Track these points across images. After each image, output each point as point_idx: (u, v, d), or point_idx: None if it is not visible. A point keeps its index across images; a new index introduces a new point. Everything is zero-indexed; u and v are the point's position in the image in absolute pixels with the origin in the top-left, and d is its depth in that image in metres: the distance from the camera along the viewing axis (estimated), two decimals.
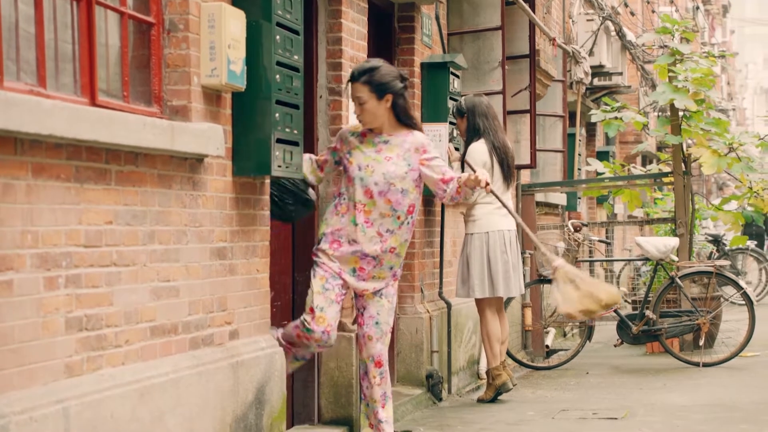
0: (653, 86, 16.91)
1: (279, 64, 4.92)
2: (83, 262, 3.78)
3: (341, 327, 6.15)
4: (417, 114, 7.36)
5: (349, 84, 5.31)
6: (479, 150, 7.07)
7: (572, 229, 8.98)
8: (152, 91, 4.48)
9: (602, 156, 13.86)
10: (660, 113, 15.28)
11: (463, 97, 7.35)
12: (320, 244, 5.33)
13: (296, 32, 5.11)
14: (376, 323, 5.39)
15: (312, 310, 5.26)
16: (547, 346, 9.58)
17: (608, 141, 16.23)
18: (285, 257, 6.00)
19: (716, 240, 14.83)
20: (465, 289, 7.20)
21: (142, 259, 4.15)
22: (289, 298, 6.08)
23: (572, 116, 11.98)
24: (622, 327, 8.77)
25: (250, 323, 5.05)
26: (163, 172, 4.32)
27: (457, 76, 7.58)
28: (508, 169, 7.22)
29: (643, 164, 17.94)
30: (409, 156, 5.30)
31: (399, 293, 7.28)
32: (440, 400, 7.33)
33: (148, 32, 4.47)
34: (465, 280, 7.19)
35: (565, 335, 11.27)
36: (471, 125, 7.18)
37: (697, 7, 25.13)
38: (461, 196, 5.36)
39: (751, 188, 9.58)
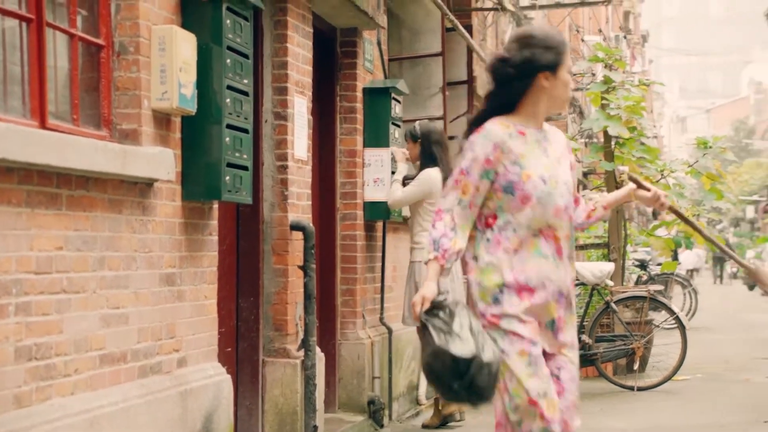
0: (581, 113, 17.20)
1: (229, 88, 4.89)
2: (33, 289, 3.69)
3: (285, 353, 6.10)
4: (359, 139, 7.38)
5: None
6: (435, 177, 7.07)
7: None
8: (102, 114, 4.41)
9: None
10: (588, 140, 15.54)
11: (417, 122, 7.32)
12: (499, 305, 3.66)
13: (246, 56, 5.08)
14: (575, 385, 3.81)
15: (534, 402, 3.60)
16: None
17: None
18: (229, 282, 5.93)
19: (643, 265, 15.08)
20: (413, 318, 7.13)
21: (92, 285, 4.06)
22: (233, 324, 6.00)
23: None
24: None
25: (198, 350, 4.97)
26: (114, 196, 4.24)
27: (399, 101, 7.60)
28: None
29: None
30: (567, 156, 3.89)
31: (341, 319, 7.26)
32: (382, 426, 7.29)
33: (97, 55, 4.40)
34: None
35: None
36: (426, 152, 7.15)
37: (625, 36, 25.63)
38: (592, 221, 4.03)
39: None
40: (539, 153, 3.72)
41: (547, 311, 3.68)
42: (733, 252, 4.21)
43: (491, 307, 3.64)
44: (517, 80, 3.68)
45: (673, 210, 4.14)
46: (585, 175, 19.74)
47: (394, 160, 7.33)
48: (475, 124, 3.78)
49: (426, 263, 3.72)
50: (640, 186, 4.03)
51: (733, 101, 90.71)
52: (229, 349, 5.90)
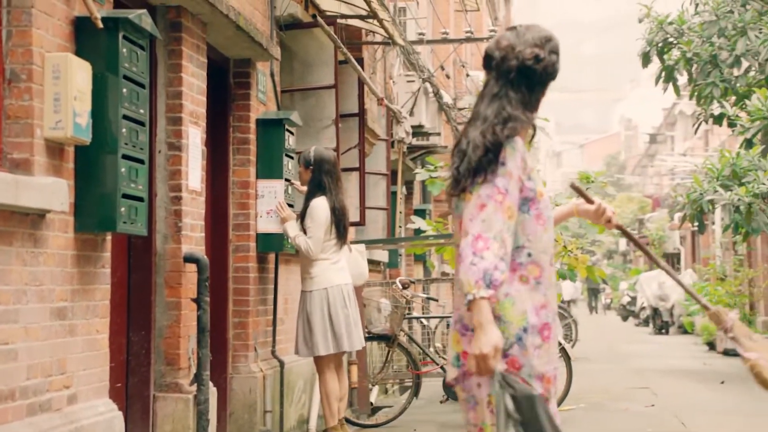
0: None
1: (125, 117, 4.79)
2: None
3: (177, 388, 5.97)
4: (252, 170, 7.32)
5: None
6: (322, 207, 7.04)
7: (401, 287, 9.06)
8: None
9: (419, 214, 14.14)
10: None
11: (312, 148, 7.28)
12: (521, 348, 3.19)
13: (142, 85, 4.99)
14: None
15: None
16: (371, 404, 9.59)
17: (425, 199, 16.59)
18: (120, 316, 5.77)
19: None
20: (308, 348, 7.05)
21: None
22: (123, 359, 5.85)
23: (393, 175, 12.17)
24: None
25: (89, 387, 4.82)
26: (4, 228, 4.10)
27: (292, 133, 7.58)
28: (344, 230, 7.22)
29: None
30: None
31: (233, 352, 7.16)
32: None
33: None
34: (307, 339, 7.04)
35: (386, 392, 11.33)
36: (316, 180, 7.12)
37: None
38: None
39: (565, 247, 9.98)
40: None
41: (556, 349, 3.37)
42: (694, 291, 4.02)
43: (514, 349, 3.16)
44: (540, 85, 3.30)
45: (620, 228, 3.73)
46: None
47: (287, 191, 7.30)
48: (506, 126, 3.19)
49: (473, 300, 3.03)
50: (585, 199, 3.62)
51: (605, 137, 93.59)
52: (119, 384, 5.75)
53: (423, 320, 12.64)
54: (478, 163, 3.13)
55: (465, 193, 3.15)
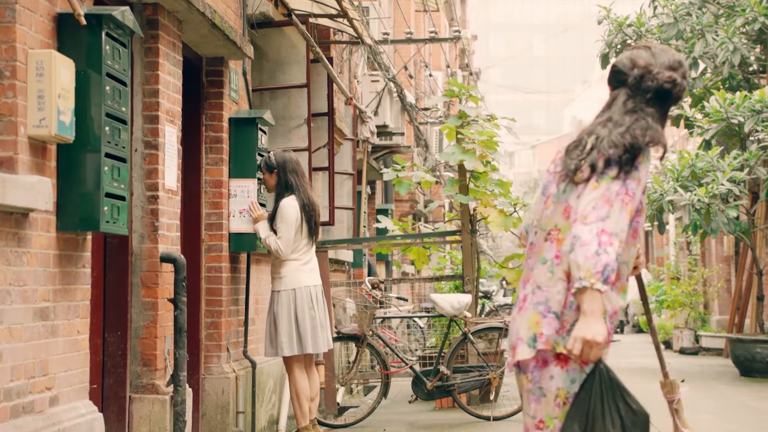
0: (426, 147, 17.49)
1: (108, 115, 4.74)
2: None
3: (154, 389, 5.92)
4: (225, 169, 7.28)
5: None
6: (291, 206, 7.02)
7: (370, 287, 9.05)
8: None
9: (382, 213, 14.15)
10: (432, 173, 15.80)
11: (271, 153, 7.28)
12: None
13: (124, 83, 4.94)
14: None
15: None
16: (337, 404, 9.57)
17: (387, 199, 16.60)
18: (95, 316, 5.70)
19: (486, 296, 15.41)
20: (273, 347, 7.06)
21: None
22: (99, 360, 5.78)
23: (358, 174, 12.16)
24: (417, 383, 8.90)
25: (70, 388, 4.76)
26: None
27: (264, 132, 7.54)
28: (315, 227, 7.21)
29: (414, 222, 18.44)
30: None
31: (205, 353, 7.11)
32: None
33: None
34: (273, 338, 7.05)
35: (351, 392, 11.32)
36: (282, 181, 7.10)
37: (471, 74, 26.29)
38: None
39: None
40: None
41: None
42: (663, 356, 4.13)
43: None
44: (671, 105, 3.38)
45: (638, 278, 3.77)
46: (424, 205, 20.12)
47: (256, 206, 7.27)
48: (646, 133, 3.25)
49: (587, 288, 3.05)
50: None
51: (557, 138, 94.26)
52: (95, 385, 5.68)
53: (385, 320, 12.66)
54: (618, 160, 3.19)
55: (590, 181, 3.19)
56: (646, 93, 3.32)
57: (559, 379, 3.19)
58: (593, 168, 3.21)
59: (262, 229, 7.11)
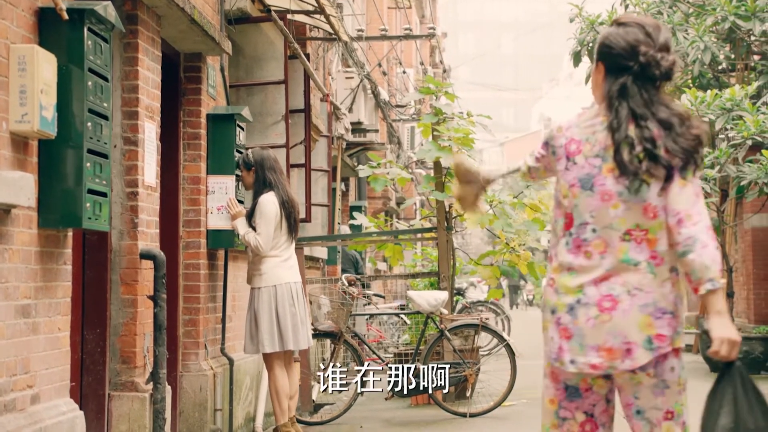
0: (399, 144, 17.50)
1: (91, 111, 4.70)
2: None
3: (133, 387, 5.88)
4: (202, 166, 7.24)
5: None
6: (271, 201, 7.01)
7: (346, 283, 9.04)
8: None
9: (356, 210, 14.14)
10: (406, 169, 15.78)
11: (249, 150, 7.26)
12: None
13: (106, 78, 4.90)
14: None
15: None
16: (313, 401, 9.55)
17: (360, 196, 16.59)
18: (74, 314, 5.64)
19: (459, 293, 15.45)
20: (254, 344, 7.05)
21: None
22: (78, 357, 5.73)
23: (333, 171, 12.14)
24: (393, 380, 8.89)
25: (51, 386, 4.72)
26: None
27: (242, 128, 7.51)
28: (294, 224, 7.20)
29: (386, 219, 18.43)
30: None
31: (183, 350, 7.08)
32: None
33: None
34: (254, 335, 7.04)
35: (326, 390, 11.29)
36: (261, 178, 7.09)
37: (445, 71, 26.29)
38: None
39: (507, 244, 10.08)
40: None
41: None
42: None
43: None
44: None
45: None
46: (397, 203, 20.10)
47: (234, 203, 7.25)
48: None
49: (710, 292, 3.12)
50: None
51: (525, 135, 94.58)
52: (74, 383, 5.63)
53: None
54: (693, 156, 3.20)
55: (674, 178, 3.19)
56: (653, 81, 3.26)
57: (677, 369, 3.26)
58: (667, 166, 3.19)
59: (241, 226, 7.08)
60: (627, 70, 3.26)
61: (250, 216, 7.08)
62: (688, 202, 3.19)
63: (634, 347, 3.20)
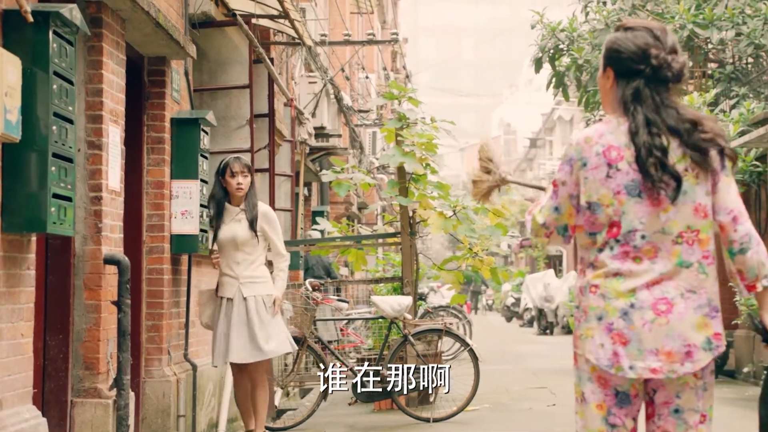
0: (361, 149, 17.51)
1: (55, 114, 4.65)
2: None
3: (96, 393, 5.83)
4: (167, 170, 7.19)
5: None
6: (272, 210, 7.05)
7: (310, 288, 9.01)
8: None
9: (318, 215, 14.11)
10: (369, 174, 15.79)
11: (236, 156, 7.05)
12: None
13: (71, 82, 4.86)
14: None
15: None
16: (275, 407, 9.51)
17: (322, 201, 16.56)
18: (37, 319, 5.57)
19: (421, 297, 15.46)
20: (260, 351, 6.74)
21: None
22: (40, 364, 5.66)
23: (296, 176, 12.11)
24: (357, 385, 8.88)
25: (14, 392, 4.66)
26: None
27: (207, 133, 7.47)
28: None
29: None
30: None
31: (146, 356, 7.02)
32: None
33: None
34: (256, 342, 6.79)
35: (288, 395, 11.25)
36: (252, 183, 6.97)
37: (407, 76, 26.32)
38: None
39: (471, 249, 10.10)
40: None
41: None
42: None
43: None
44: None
45: None
46: (359, 209, 20.11)
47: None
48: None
49: (765, 290, 3.20)
50: None
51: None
52: (36, 390, 5.56)
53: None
54: (724, 154, 3.22)
55: (720, 176, 3.20)
56: (665, 83, 3.23)
57: (712, 370, 3.24)
58: (705, 165, 3.17)
59: (280, 290, 6.93)
60: (639, 73, 3.22)
61: (252, 222, 6.79)
62: (738, 199, 3.21)
63: (695, 349, 3.16)
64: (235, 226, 6.74)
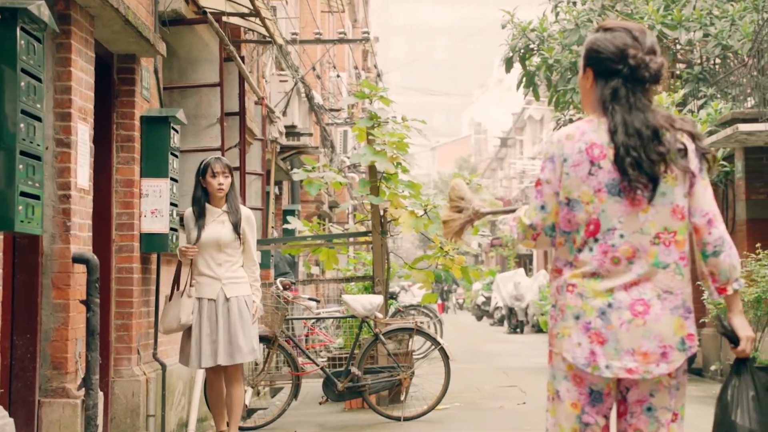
0: (332, 148, 17.49)
1: (23, 112, 4.61)
2: None
3: (64, 393, 5.78)
4: (136, 168, 7.14)
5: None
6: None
7: (281, 287, 8.99)
8: None
9: (289, 214, 14.08)
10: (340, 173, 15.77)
11: (217, 157, 7.00)
12: None
13: (39, 79, 4.82)
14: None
15: None
16: (245, 406, 9.48)
17: (293, 200, 16.53)
18: (4, 319, 5.54)
19: (392, 296, 15.46)
20: (250, 352, 6.77)
21: None
22: (7, 363, 5.61)
23: (266, 175, 12.08)
24: (328, 384, 8.88)
25: None
26: None
27: (177, 131, 7.43)
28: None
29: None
30: None
31: (115, 355, 6.98)
32: None
33: None
34: (237, 344, 6.73)
35: (258, 394, 11.22)
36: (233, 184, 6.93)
37: (380, 75, 26.28)
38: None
39: (442, 248, 10.12)
40: None
41: None
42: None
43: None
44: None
45: None
46: (330, 207, 20.10)
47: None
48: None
49: (735, 292, 3.26)
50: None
51: (456, 140, 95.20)
52: (2, 390, 5.52)
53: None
54: (703, 156, 3.25)
55: (697, 179, 3.23)
56: (643, 83, 3.25)
57: (685, 370, 3.27)
58: (651, 176, 3.16)
59: (258, 299, 6.90)
60: (617, 73, 3.23)
61: (236, 225, 6.77)
62: (713, 201, 3.24)
63: (670, 350, 3.18)
64: (217, 227, 6.71)
